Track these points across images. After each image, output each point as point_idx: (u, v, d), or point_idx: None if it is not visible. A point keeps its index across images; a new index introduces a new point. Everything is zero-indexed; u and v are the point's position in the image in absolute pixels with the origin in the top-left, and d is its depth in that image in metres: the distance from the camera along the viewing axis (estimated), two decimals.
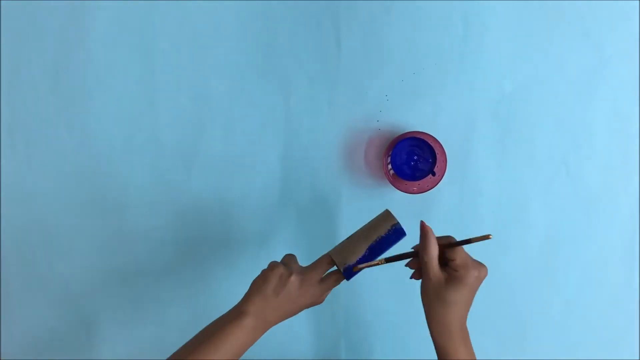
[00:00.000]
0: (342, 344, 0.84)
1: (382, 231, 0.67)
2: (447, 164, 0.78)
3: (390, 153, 0.78)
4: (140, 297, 0.85)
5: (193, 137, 0.82)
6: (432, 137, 0.78)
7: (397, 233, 0.66)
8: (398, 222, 0.67)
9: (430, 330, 0.62)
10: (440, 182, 0.78)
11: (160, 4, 0.81)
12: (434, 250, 0.61)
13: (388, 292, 0.84)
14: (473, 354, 0.63)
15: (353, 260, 0.65)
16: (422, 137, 0.77)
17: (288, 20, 0.81)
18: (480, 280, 0.61)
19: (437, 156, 0.77)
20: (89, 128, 0.82)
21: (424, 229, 0.62)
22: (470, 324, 0.81)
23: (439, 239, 0.62)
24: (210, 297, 0.84)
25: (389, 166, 0.79)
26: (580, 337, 0.83)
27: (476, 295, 0.81)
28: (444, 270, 0.61)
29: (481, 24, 0.80)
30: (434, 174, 0.78)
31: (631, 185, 0.81)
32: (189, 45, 0.81)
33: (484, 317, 0.83)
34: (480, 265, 0.61)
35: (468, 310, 0.62)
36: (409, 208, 0.81)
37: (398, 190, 0.79)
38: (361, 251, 0.66)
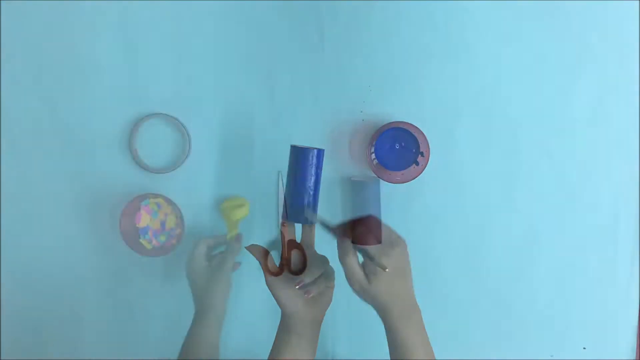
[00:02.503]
0: (329, 337, 0.85)
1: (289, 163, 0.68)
2: (430, 154, 0.79)
3: (374, 143, 0.79)
4: (129, 294, 0.85)
5: (179, 133, 0.83)
6: (415, 127, 0.78)
7: (292, 152, 0.67)
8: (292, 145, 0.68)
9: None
10: (424, 171, 0.78)
11: None
12: (349, 260, 0.63)
13: None
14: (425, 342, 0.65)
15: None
16: (405, 127, 0.78)
17: (271, 15, 0.81)
18: (400, 262, 0.64)
19: (420, 146, 0.78)
20: (74, 125, 0.83)
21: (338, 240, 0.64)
22: (455, 310, 0.83)
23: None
24: None
25: (373, 156, 0.79)
26: (564, 323, 0.84)
27: (461, 282, 0.83)
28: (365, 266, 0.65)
29: (464, 14, 0.80)
30: (417, 164, 0.78)
31: (612, 173, 0.82)
32: (173, 40, 0.82)
33: (468, 303, 0.84)
34: (391, 251, 0.64)
35: (406, 286, 0.65)
36: (393, 197, 0.81)
37: (382, 180, 0.79)
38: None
